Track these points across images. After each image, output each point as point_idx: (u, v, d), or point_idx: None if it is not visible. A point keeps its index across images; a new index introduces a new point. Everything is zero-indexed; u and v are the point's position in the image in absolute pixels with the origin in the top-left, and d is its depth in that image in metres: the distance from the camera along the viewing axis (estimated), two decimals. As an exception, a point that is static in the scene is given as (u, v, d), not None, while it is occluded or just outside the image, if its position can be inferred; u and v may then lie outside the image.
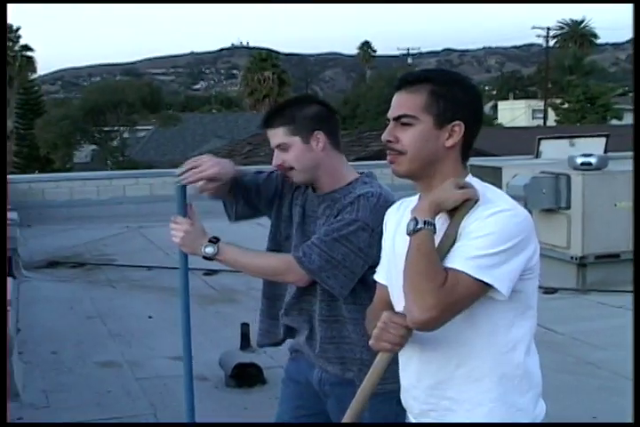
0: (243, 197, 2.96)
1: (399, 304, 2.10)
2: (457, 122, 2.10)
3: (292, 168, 2.77)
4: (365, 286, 2.66)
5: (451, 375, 2.08)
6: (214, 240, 2.74)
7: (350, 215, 2.64)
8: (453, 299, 1.92)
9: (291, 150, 2.76)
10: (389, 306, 2.20)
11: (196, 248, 2.75)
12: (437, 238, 2.02)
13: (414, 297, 1.95)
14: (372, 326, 2.15)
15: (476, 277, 1.93)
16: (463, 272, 1.93)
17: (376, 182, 2.79)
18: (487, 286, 1.95)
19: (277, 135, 2.78)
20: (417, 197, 2.25)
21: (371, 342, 2.10)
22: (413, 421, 2.24)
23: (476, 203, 2.02)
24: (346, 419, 2.17)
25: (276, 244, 2.94)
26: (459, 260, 1.95)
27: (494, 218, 1.97)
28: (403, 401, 2.29)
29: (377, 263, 2.43)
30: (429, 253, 1.97)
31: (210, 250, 2.72)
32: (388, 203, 2.58)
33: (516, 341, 2.07)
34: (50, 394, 5.41)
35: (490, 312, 2.02)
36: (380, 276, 2.34)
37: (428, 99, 2.08)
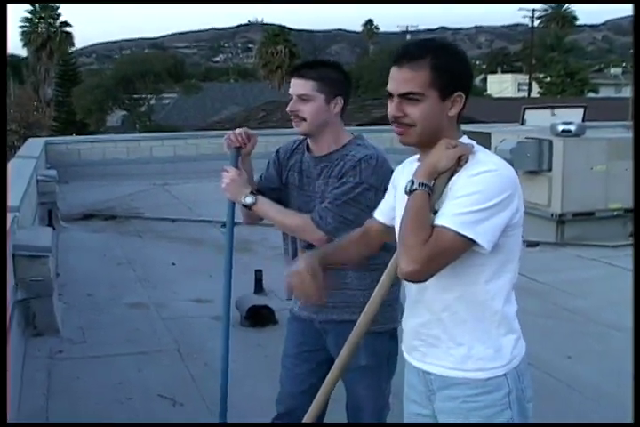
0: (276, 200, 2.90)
1: None
2: (458, 92, 2.04)
3: (304, 119, 2.72)
4: None
5: (437, 317, 2.07)
6: (255, 192, 2.77)
7: (354, 179, 2.64)
8: (436, 253, 1.89)
9: (310, 104, 2.70)
10: (368, 237, 2.36)
11: (238, 196, 2.78)
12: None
13: (402, 250, 1.93)
14: (337, 244, 2.40)
15: (460, 232, 1.89)
16: (448, 228, 1.89)
17: (369, 143, 2.77)
18: (470, 241, 1.91)
19: (305, 86, 2.71)
20: (410, 160, 2.22)
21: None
22: (405, 355, 2.23)
23: (466, 161, 1.98)
24: (344, 351, 2.17)
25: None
26: (444, 217, 1.91)
27: (479, 177, 1.92)
28: (402, 336, 2.28)
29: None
30: (419, 212, 1.93)
31: (249, 200, 2.75)
32: (385, 162, 2.66)
33: (496, 290, 2.03)
34: (86, 331, 5.42)
35: (473, 264, 1.99)
36: (378, 213, 2.33)
37: (431, 75, 2.00)
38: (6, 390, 2.77)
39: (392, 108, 2.04)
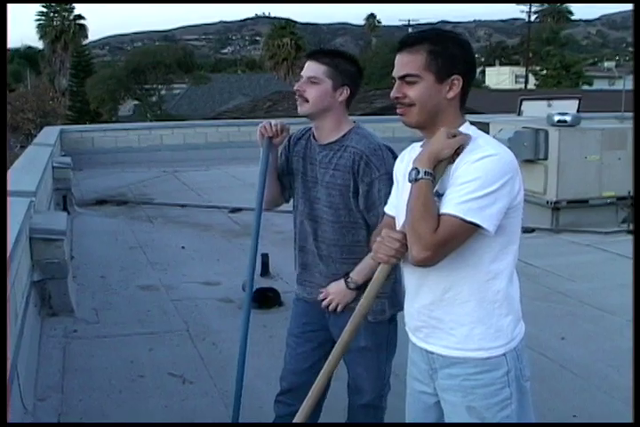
0: (289, 184, 2.94)
1: None
2: (455, 76, 2.05)
3: (307, 100, 2.70)
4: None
5: (440, 298, 2.07)
6: None
7: (378, 173, 2.61)
8: (446, 239, 1.91)
9: (317, 87, 2.69)
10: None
11: None
12: None
13: (413, 239, 1.94)
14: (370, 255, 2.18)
15: (466, 219, 1.90)
16: (455, 216, 1.90)
17: (366, 132, 2.74)
18: (476, 226, 1.92)
19: (316, 70, 2.70)
20: (410, 148, 2.23)
21: (371, 255, 2.12)
22: (410, 334, 2.23)
23: (463, 149, 1.98)
24: (346, 331, 2.16)
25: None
26: (450, 204, 1.92)
27: (480, 163, 1.93)
28: (405, 317, 2.27)
29: None
30: (426, 201, 1.94)
31: None
32: (388, 147, 2.66)
33: (498, 271, 2.04)
34: (99, 312, 5.42)
35: (477, 246, 1.99)
36: (389, 208, 2.32)
37: (427, 58, 2.03)
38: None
39: (393, 90, 2.09)
